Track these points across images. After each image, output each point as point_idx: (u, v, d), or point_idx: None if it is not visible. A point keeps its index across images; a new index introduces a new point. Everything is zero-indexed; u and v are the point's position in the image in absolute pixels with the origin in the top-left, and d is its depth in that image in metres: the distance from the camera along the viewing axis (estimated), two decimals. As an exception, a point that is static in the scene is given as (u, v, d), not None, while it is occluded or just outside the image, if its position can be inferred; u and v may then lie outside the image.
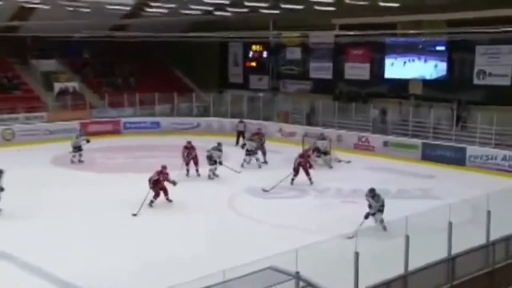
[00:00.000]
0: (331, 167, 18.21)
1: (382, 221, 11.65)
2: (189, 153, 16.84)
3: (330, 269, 7.71)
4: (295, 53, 27.44)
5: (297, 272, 6.08)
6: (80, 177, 17.18)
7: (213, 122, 25.42)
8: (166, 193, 13.94)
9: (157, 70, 29.10)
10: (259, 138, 19.36)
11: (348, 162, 18.85)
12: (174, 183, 13.80)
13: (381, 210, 11.73)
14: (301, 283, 6.09)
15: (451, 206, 8.45)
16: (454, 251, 8.03)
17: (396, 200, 14.48)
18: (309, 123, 23.51)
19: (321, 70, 26.27)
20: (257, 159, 18.37)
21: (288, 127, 23.33)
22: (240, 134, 22.52)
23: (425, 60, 22.64)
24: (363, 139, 21.11)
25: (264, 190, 14.62)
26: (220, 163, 16.48)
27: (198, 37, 26.51)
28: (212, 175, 16.55)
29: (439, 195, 14.81)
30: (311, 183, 15.68)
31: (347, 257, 6.97)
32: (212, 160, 16.48)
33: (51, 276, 9.50)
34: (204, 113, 26.61)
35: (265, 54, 28.93)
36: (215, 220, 12.79)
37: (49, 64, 26.96)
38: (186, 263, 9.98)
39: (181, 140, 23.21)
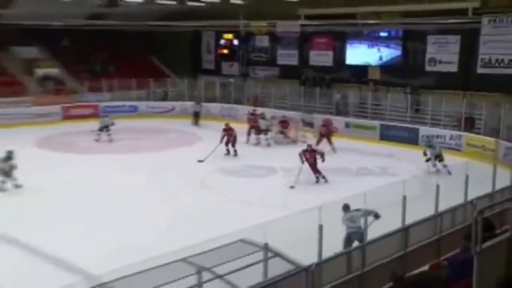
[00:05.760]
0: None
1: (445, 166, 14.41)
2: (229, 134, 17.02)
3: (296, 241, 7.70)
4: (263, 41, 27.30)
5: (266, 244, 6.21)
6: (65, 158, 16.87)
7: (188, 106, 25.16)
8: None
9: (134, 58, 28.64)
10: (285, 126, 19.47)
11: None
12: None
13: (439, 157, 14.64)
14: (269, 254, 6.21)
15: (405, 182, 8.53)
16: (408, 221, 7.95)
17: (357, 177, 14.81)
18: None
19: (287, 57, 26.19)
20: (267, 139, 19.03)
21: (257, 111, 22.95)
22: (196, 114, 23.40)
23: (382, 48, 22.76)
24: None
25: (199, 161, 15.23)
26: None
27: (173, 26, 26.22)
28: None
29: (395, 172, 14.90)
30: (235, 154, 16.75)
31: (311, 230, 6.98)
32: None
33: (51, 257, 9.18)
34: (179, 97, 26.38)
35: (236, 42, 28.66)
36: (190, 199, 12.77)
37: (30, 51, 26.02)
38: (163, 237, 9.96)
39: (157, 123, 23.28)
